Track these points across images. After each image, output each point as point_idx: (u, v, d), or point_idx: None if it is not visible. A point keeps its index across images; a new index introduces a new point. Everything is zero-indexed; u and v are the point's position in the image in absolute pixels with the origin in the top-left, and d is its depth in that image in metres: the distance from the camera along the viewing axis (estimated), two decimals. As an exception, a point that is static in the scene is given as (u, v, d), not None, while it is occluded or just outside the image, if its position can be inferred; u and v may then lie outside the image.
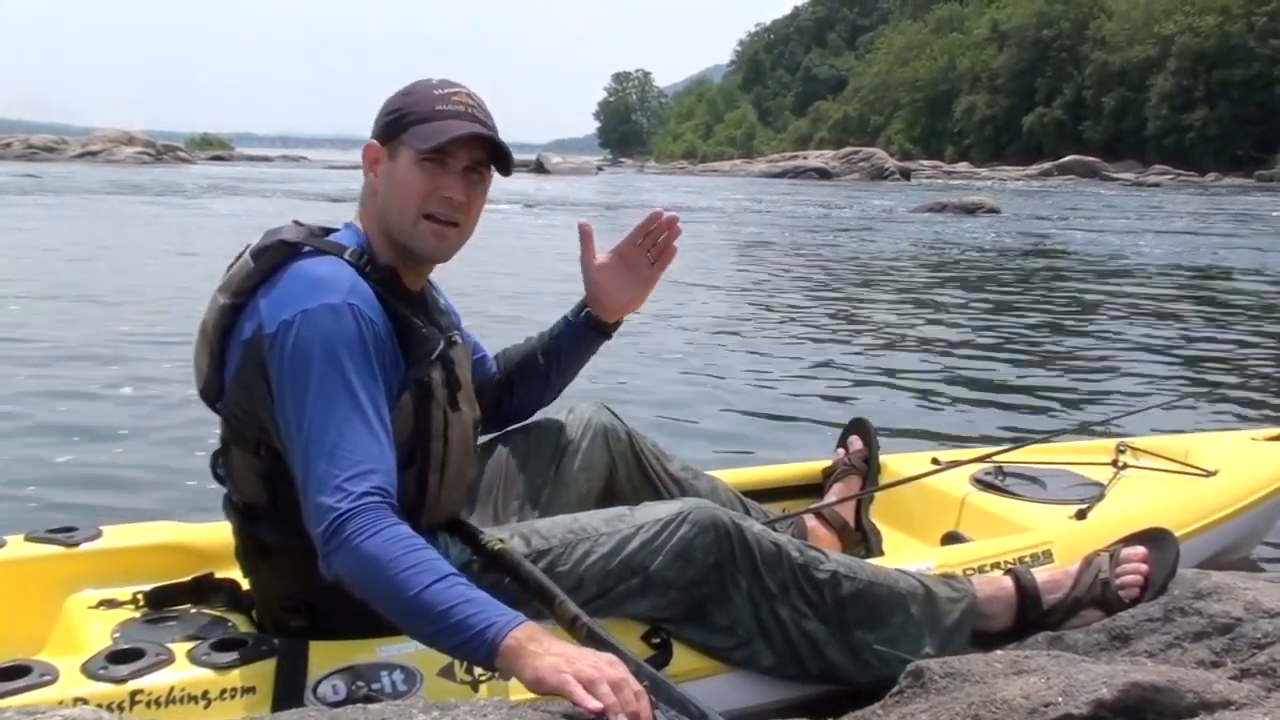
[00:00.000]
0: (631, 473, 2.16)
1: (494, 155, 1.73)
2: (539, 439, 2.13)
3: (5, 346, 5.89)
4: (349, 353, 1.56)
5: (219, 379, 1.68)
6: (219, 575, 1.92)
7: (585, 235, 2.13)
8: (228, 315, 1.66)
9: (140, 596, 1.87)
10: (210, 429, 1.77)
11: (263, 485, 1.66)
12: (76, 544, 2.02)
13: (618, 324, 2.17)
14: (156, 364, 5.50)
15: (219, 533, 1.98)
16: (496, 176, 1.77)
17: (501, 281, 9.02)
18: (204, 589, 1.89)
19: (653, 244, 2.15)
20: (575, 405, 2.19)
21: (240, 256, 1.69)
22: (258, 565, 1.74)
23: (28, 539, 2.03)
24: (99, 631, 1.77)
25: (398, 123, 1.69)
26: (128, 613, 1.85)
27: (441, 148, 1.66)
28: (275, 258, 1.64)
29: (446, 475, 1.74)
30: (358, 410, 1.55)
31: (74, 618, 1.85)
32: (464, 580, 1.48)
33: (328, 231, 1.75)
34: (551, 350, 2.15)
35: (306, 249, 1.66)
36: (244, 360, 1.62)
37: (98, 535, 2.06)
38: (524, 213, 19.77)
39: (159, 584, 1.90)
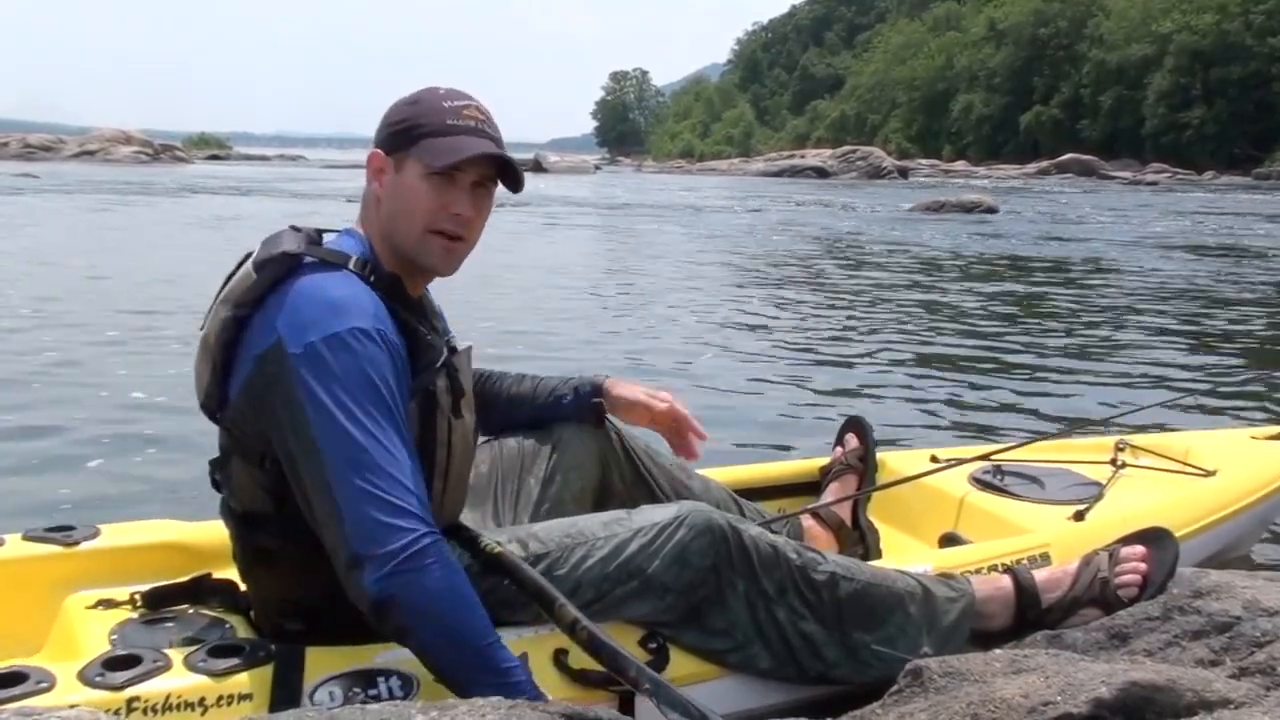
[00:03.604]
0: (624, 472, 2.16)
1: (503, 172, 1.73)
2: (532, 441, 2.14)
3: (4, 347, 5.89)
4: (384, 379, 1.57)
5: (221, 391, 1.67)
6: (217, 575, 1.91)
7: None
8: (231, 328, 1.64)
9: (138, 597, 1.87)
10: (210, 428, 1.76)
11: (266, 496, 1.65)
12: (75, 543, 2.02)
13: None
14: (155, 364, 5.51)
15: (217, 532, 1.97)
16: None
17: (496, 285, 9.01)
18: (202, 589, 1.88)
19: (679, 432, 2.21)
20: None
21: (240, 266, 1.68)
22: (256, 571, 1.74)
23: (26, 538, 2.02)
24: (97, 632, 1.77)
25: (406, 134, 1.67)
26: (125, 613, 1.84)
27: (457, 165, 1.65)
28: (278, 270, 1.63)
29: (450, 481, 1.74)
30: (400, 436, 1.57)
31: (72, 618, 1.85)
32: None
33: (322, 234, 1.75)
34: (546, 405, 2.16)
35: (309, 260, 1.65)
36: (254, 375, 1.60)
37: (96, 534, 2.05)
38: (521, 212, 19.76)
39: (157, 584, 1.90)
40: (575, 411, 2.16)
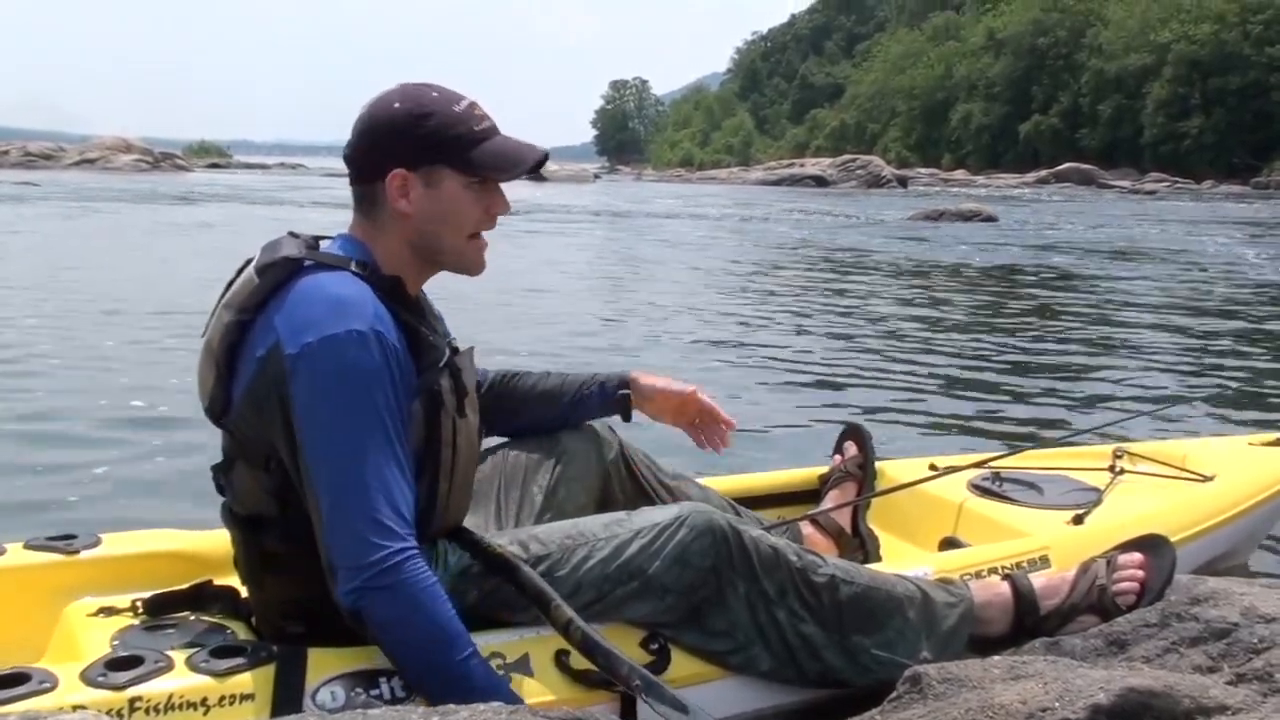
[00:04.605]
0: (624, 483, 2.17)
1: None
2: (534, 450, 2.14)
3: (6, 354, 5.89)
4: (379, 385, 1.57)
5: (225, 395, 1.68)
6: (218, 582, 1.92)
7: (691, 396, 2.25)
8: (234, 332, 1.65)
9: (139, 604, 1.87)
10: (211, 436, 1.77)
11: (271, 499, 1.66)
12: (76, 551, 2.02)
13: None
14: (158, 372, 5.51)
15: (217, 540, 1.98)
16: None
17: (495, 293, 9.02)
18: (203, 596, 1.89)
19: (704, 425, 2.28)
20: None
21: (241, 272, 1.69)
22: (262, 574, 1.74)
23: (27, 546, 2.02)
24: (98, 639, 1.77)
25: (436, 148, 1.67)
26: (127, 620, 1.85)
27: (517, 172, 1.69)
28: (280, 274, 1.63)
29: (455, 482, 1.75)
30: (390, 445, 1.58)
31: (73, 625, 1.85)
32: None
33: (319, 240, 1.75)
34: (575, 401, 2.19)
35: (309, 263, 1.65)
36: (257, 377, 1.61)
37: (97, 543, 2.06)
38: (520, 221, 19.78)
39: (158, 591, 1.90)
40: (602, 405, 2.19)
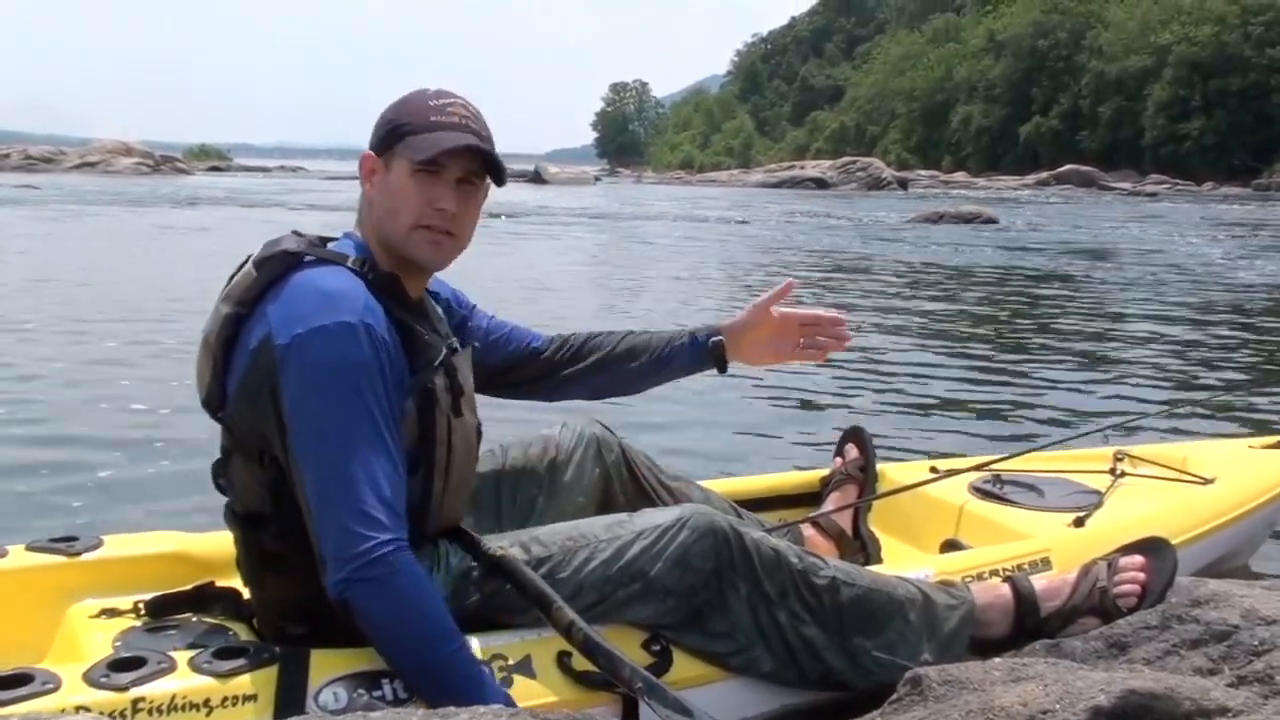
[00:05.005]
0: (625, 485, 2.17)
1: (487, 166, 1.74)
2: (534, 452, 2.15)
3: (8, 358, 5.90)
4: (368, 377, 1.58)
5: (222, 388, 1.69)
6: (220, 584, 1.92)
7: (786, 289, 2.17)
8: (230, 325, 1.66)
9: (141, 605, 1.88)
10: (211, 438, 1.78)
11: (266, 494, 1.66)
12: (78, 553, 2.02)
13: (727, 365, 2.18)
14: (158, 374, 5.52)
15: (219, 542, 1.99)
16: (494, 187, 1.79)
17: (497, 293, 9.03)
18: (205, 598, 1.90)
19: (813, 335, 2.18)
20: (568, 419, 2.21)
21: (242, 266, 1.70)
22: (262, 574, 1.74)
23: (29, 548, 2.03)
24: (100, 641, 1.78)
25: (393, 134, 1.70)
26: (129, 622, 1.86)
27: (435, 159, 1.67)
28: (278, 268, 1.65)
29: (450, 481, 1.75)
30: (379, 437, 1.58)
31: (75, 627, 1.86)
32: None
33: (325, 241, 1.77)
34: (662, 356, 2.15)
35: (308, 258, 1.67)
36: (250, 369, 1.62)
37: (99, 545, 2.06)
38: (521, 224, 19.78)
39: (160, 593, 1.90)
40: (694, 357, 2.15)
